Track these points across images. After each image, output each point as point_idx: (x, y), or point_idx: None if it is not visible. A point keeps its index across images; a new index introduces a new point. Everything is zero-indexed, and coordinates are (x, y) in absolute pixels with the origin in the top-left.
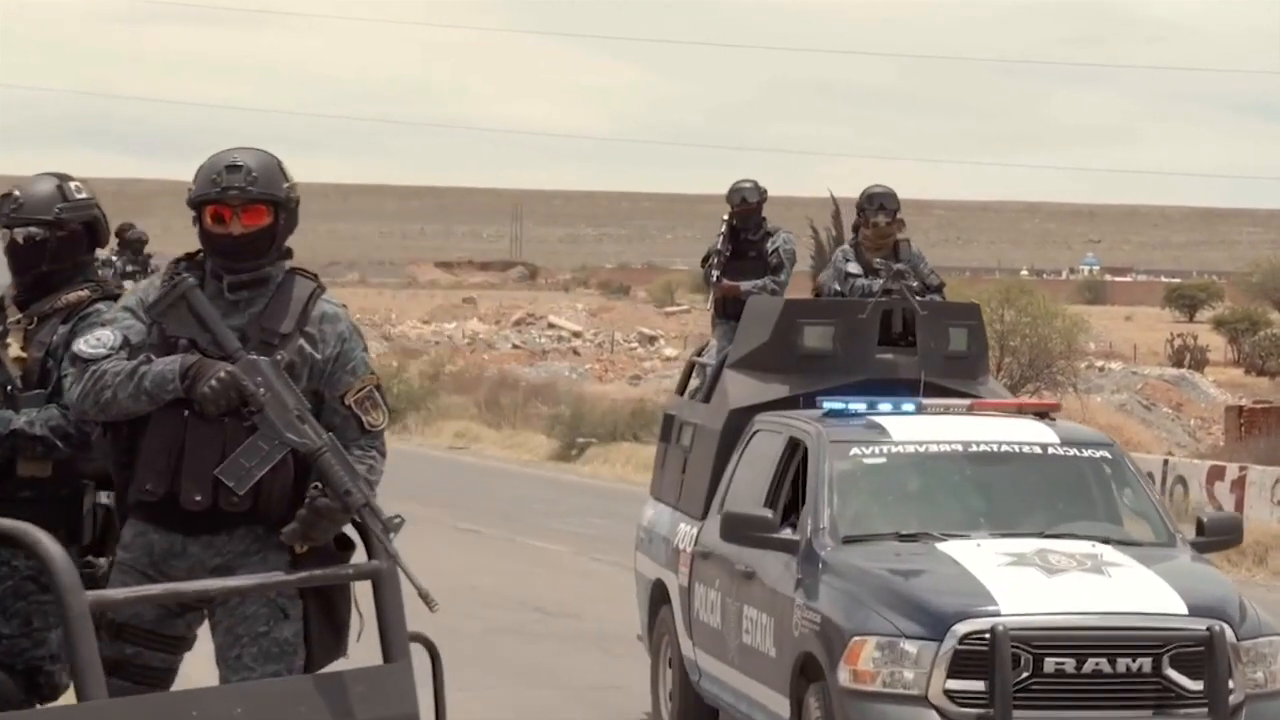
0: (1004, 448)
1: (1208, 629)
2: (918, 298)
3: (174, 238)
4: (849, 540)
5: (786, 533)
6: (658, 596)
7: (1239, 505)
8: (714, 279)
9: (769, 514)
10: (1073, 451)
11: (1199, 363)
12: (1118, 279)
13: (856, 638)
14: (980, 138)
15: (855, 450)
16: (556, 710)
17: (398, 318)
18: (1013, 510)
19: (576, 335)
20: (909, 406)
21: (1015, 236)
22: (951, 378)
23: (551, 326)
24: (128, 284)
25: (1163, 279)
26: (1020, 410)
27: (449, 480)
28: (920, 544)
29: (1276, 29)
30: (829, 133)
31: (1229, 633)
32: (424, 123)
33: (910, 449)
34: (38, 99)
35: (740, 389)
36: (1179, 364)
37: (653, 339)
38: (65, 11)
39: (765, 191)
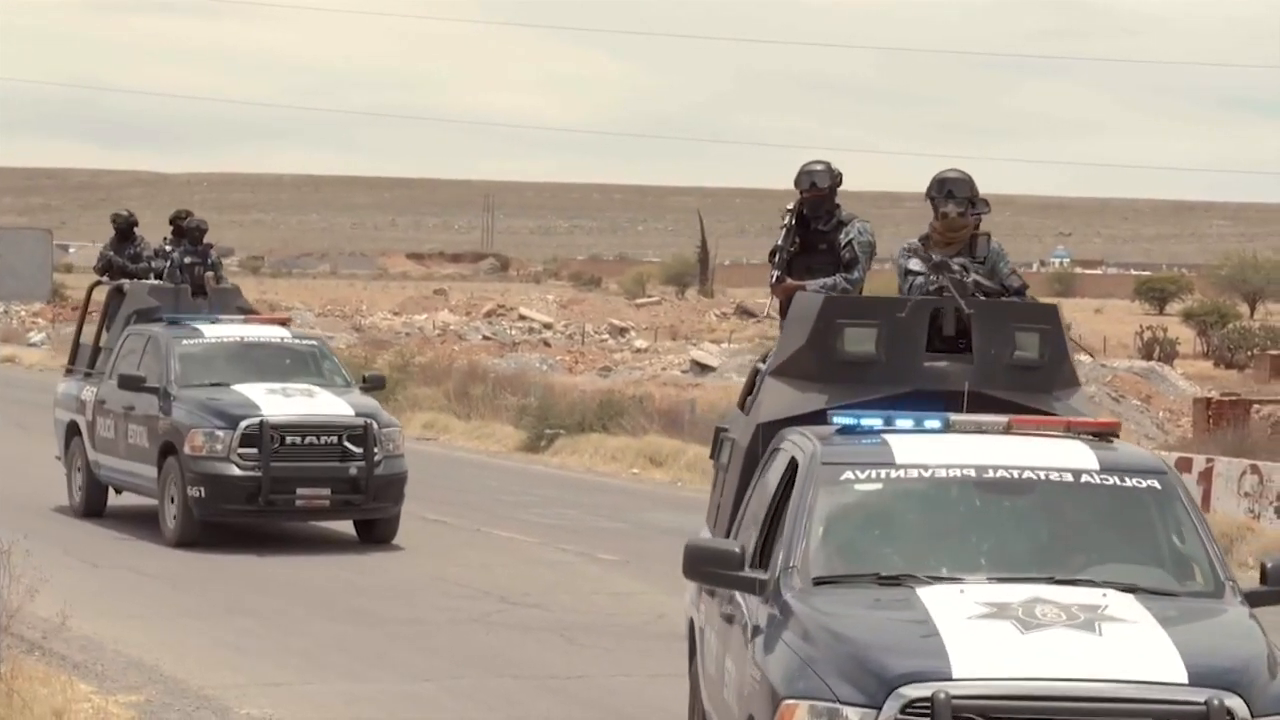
0: (1026, 474)
1: (1205, 702)
2: (979, 297)
3: (145, 229)
4: (820, 581)
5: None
6: (692, 638)
7: (1206, 497)
8: (774, 278)
9: (734, 547)
10: (1112, 480)
11: (1168, 355)
12: (1088, 272)
13: (788, 701)
14: (952, 130)
15: (848, 474)
16: (520, 700)
17: (368, 309)
18: (1025, 549)
19: (547, 327)
20: (933, 423)
21: (986, 228)
22: (1017, 390)
23: (522, 318)
24: (177, 274)
25: (1133, 272)
26: (1069, 429)
27: (416, 471)
28: (900, 589)
29: (1248, 23)
30: (803, 125)
31: (1238, 707)
32: (395, 114)
33: (913, 474)
34: (7, 89)
35: (775, 400)
36: (1148, 356)
37: (623, 330)
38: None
39: (840, 175)
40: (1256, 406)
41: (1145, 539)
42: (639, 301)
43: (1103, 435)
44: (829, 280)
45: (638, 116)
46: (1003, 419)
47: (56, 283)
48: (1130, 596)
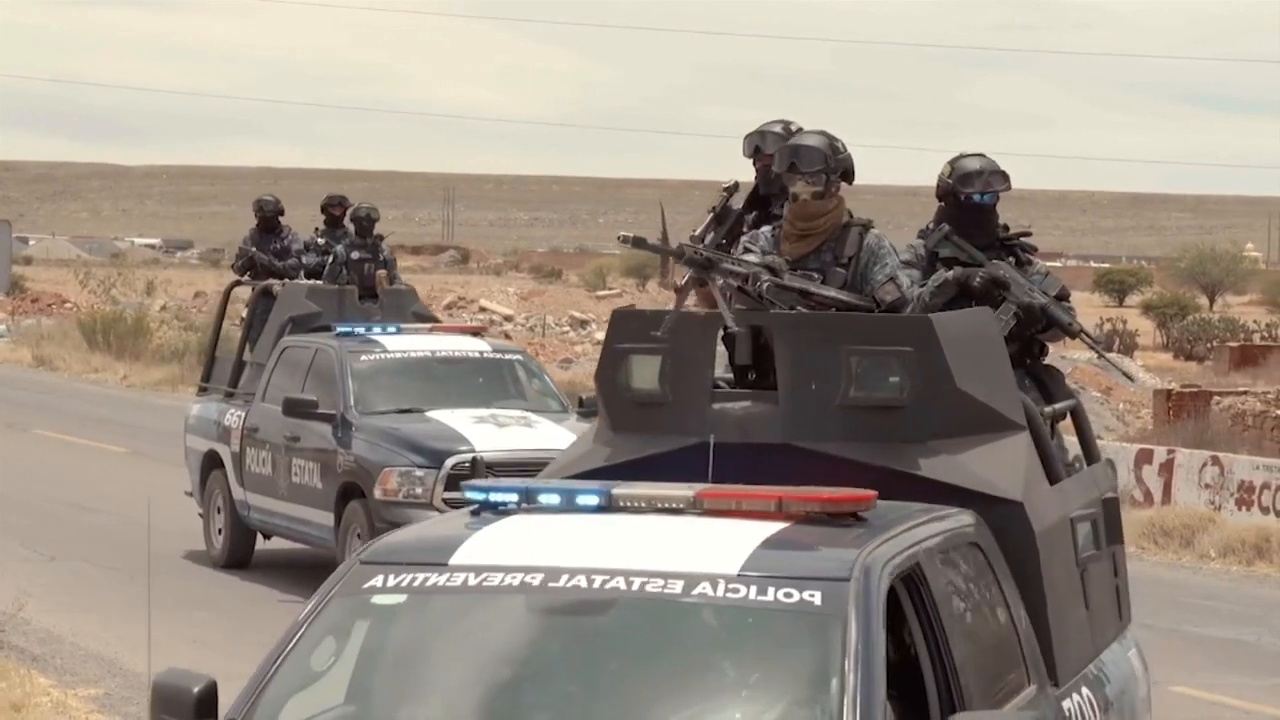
0: (610, 585)
1: None
2: (799, 309)
3: (104, 221)
4: None
5: None
6: None
7: (1167, 488)
8: (683, 280)
9: (193, 685)
10: (743, 593)
11: (1128, 347)
12: (1048, 263)
13: None
14: (909, 123)
15: (375, 581)
16: None
17: None
18: (551, 700)
19: (508, 319)
20: (588, 498)
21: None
22: (862, 439)
23: (483, 310)
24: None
25: (1092, 264)
26: (780, 505)
27: None
28: None
29: (1203, 18)
30: (761, 117)
31: None
32: (355, 106)
33: (456, 581)
34: None
35: (563, 456)
36: (1109, 348)
37: (584, 323)
38: None
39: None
40: (1217, 398)
41: (758, 685)
42: (600, 293)
43: (853, 514)
44: None
45: (596, 109)
46: (690, 491)
47: (15, 275)
48: None
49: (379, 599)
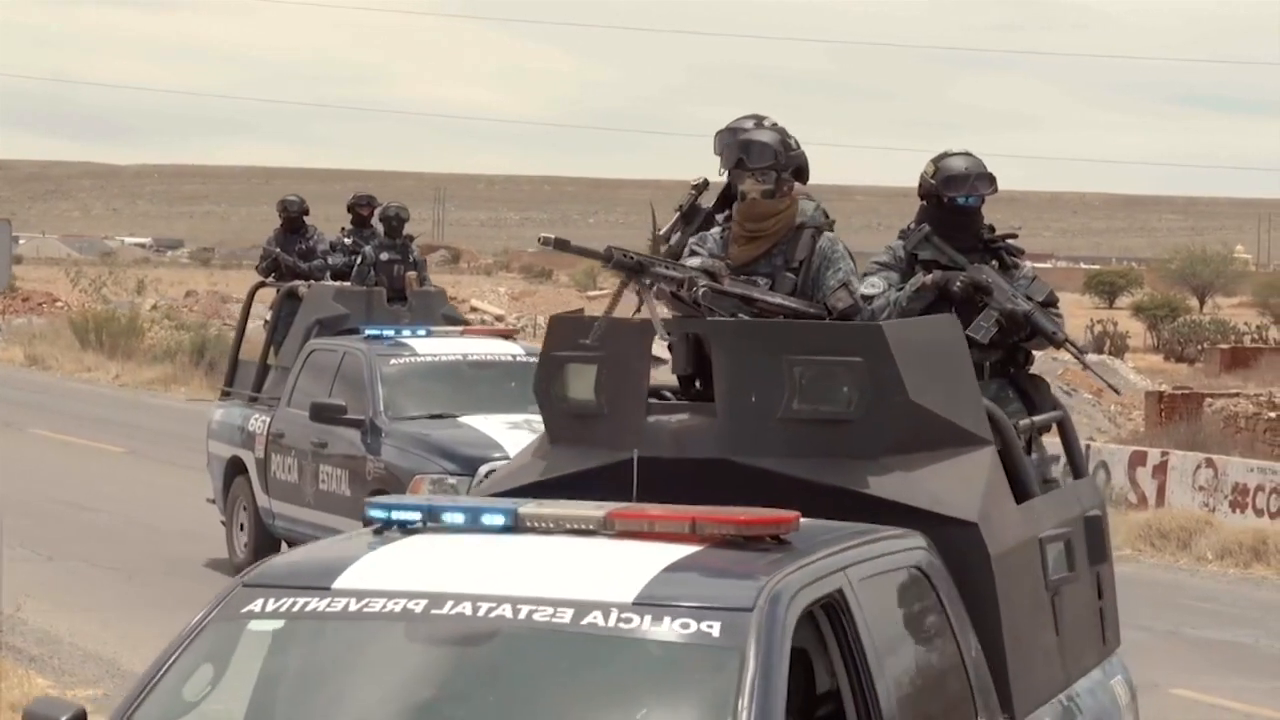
0: (495, 613)
1: None
2: (741, 316)
3: (94, 220)
4: None
5: None
6: None
7: (1161, 490)
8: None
9: (59, 716)
10: (635, 622)
11: (1119, 349)
12: (1038, 265)
13: None
14: (903, 123)
15: (255, 605)
16: None
17: None
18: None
19: (499, 319)
20: (494, 518)
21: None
22: (806, 455)
23: (474, 310)
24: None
25: (1083, 265)
26: (694, 527)
27: None
28: None
29: (1197, 19)
30: None
31: None
32: (347, 106)
33: (338, 606)
34: None
35: (502, 470)
36: (1099, 350)
37: None
38: None
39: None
40: (1208, 400)
41: None
42: (591, 294)
43: (756, 536)
44: None
45: (589, 109)
46: (601, 511)
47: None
48: None
49: (255, 625)
